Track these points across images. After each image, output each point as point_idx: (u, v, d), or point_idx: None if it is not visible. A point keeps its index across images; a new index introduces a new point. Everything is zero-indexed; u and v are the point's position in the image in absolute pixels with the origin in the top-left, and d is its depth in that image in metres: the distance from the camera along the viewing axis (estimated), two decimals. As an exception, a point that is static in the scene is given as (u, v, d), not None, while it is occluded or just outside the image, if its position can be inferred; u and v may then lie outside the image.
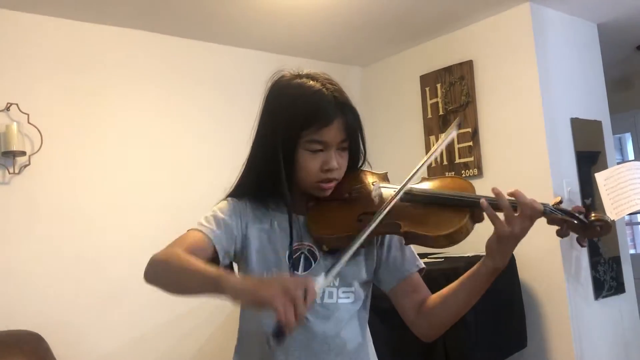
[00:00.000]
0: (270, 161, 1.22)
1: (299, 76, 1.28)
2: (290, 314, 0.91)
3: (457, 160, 3.64)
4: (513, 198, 1.11)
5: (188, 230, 1.23)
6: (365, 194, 1.27)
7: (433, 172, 3.76)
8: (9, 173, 2.85)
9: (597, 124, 3.61)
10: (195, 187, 3.31)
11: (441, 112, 3.75)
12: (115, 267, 3.08)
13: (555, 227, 1.14)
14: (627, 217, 3.78)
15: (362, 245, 1.15)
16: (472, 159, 3.56)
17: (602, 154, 3.57)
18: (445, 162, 3.71)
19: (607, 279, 3.39)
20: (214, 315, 3.33)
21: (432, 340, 1.30)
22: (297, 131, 1.20)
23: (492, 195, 1.13)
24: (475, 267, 1.18)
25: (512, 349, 3.04)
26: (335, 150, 1.23)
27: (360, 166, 1.34)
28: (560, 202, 1.14)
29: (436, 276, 2.64)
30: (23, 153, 2.86)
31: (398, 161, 3.91)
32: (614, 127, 3.86)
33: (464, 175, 3.58)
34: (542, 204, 1.11)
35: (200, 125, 3.50)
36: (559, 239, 3.26)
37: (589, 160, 3.47)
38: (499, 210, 1.11)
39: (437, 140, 3.77)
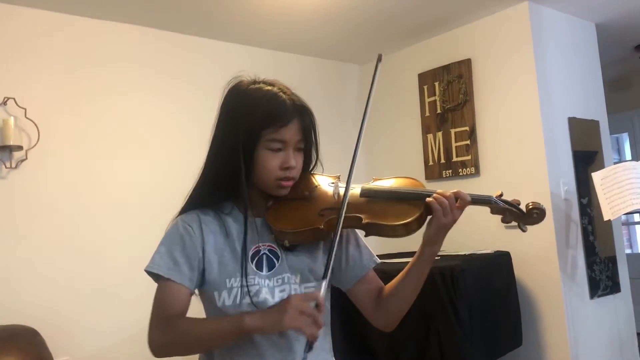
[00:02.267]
0: (230, 162, 1.27)
1: (256, 82, 1.33)
2: (314, 330, 1.09)
3: (455, 159, 3.64)
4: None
5: (157, 282, 1.27)
6: (324, 192, 1.35)
7: (431, 170, 3.77)
8: (6, 167, 2.85)
9: (595, 124, 3.61)
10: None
11: (439, 111, 3.75)
12: (111, 262, 3.09)
13: (499, 216, 1.31)
14: (623, 217, 3.79)
15: (334, 237, 1.22)
16: (469, 157, 3.56)
17: (599, 154, 3.58)
18: (442, 161, 3.71)
19: (602, 279, 3.40)
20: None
21: (391, 330, 1.39)
22: (257, 131, 1.25)
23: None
24: (415, 256, 1.30)
25: (508, 347, 3.05)
26: (293, 150, 1.29)
27: (313, 168, 1.40)
28: (501, 194, 1.29)
29: (434, 273, 2.66)
30: (20, 147, 2.86)
31: (395, 159, 3.91)
32: (612, 127, 3.87)
33: (461, 174, 3.59)
34: (487, 196, 1.28)
35: (200, 121, 3.48)
36: (555, 238, 3.27)
37: (586, 159, 3.47)
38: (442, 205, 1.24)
39: (434, 138, 3.77)
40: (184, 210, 1.35)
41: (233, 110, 1.31)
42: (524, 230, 1.30)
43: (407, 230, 1.24)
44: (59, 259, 2.94)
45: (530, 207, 1.28)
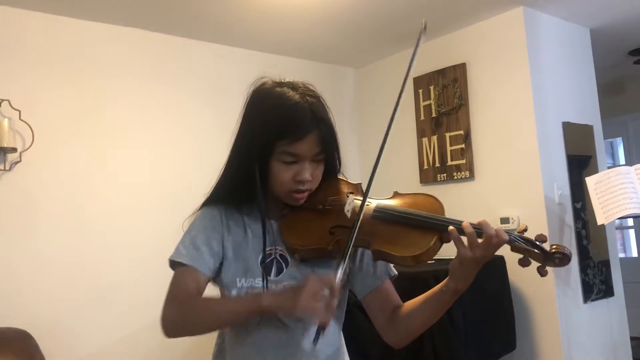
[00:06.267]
0: (246, 167, 1.24)
1: (281, 84, 1.28)
2: (326, 317, 1.06)
3: (449, 163, 3.65)
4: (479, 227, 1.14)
5: (175, 270, 1.25)
6: (339, 206, 1.28)
7: (425, 174, 3.77)
8: (0, 169, 2.84)
9: (589, 129, 3.63)
10: (190, 185, 3.29)
11: (434, 115, 3.76)
12: (105, 266, 3.07)
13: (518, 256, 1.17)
14: (617, 222, 3.80)
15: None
16: (464, 161, 3.57)
17: (593, 158, 3.60)
18: (437, 164, 3.72)
19: (596, 283, 3.41)
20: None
21: (400, 348, 1.34)
22: (271, 141, 1.21)
23: (459, 219, 1.18)
24: (438, 287, 1.21)
25: (501, 351, 3.05)
26: (310, 162, 1.24)
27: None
28: (525, 230, 1.16)
29: (426, 277, 2.65)
30: (14, 149, 2.85)
31: (390, 162, 3.91)
32: (605, 131, 3.88)
33: (455, 178, 3.60)
34: (507, 232, 1.14)
35: (196, 123, 3.49)
36: (548, 242, 3.26)
37: (580, 164, 3.49)
38: (464, 235, 1.14)
39: (429, 142, 3.78)
40: (207, 203, 1.32)
41: (252, 115, 1.28)
42: (542, 275, 1.16)
43: (416, 261, 1.17)
44: (53, 262, 2.93)
45: (553, 250, 1.14)
